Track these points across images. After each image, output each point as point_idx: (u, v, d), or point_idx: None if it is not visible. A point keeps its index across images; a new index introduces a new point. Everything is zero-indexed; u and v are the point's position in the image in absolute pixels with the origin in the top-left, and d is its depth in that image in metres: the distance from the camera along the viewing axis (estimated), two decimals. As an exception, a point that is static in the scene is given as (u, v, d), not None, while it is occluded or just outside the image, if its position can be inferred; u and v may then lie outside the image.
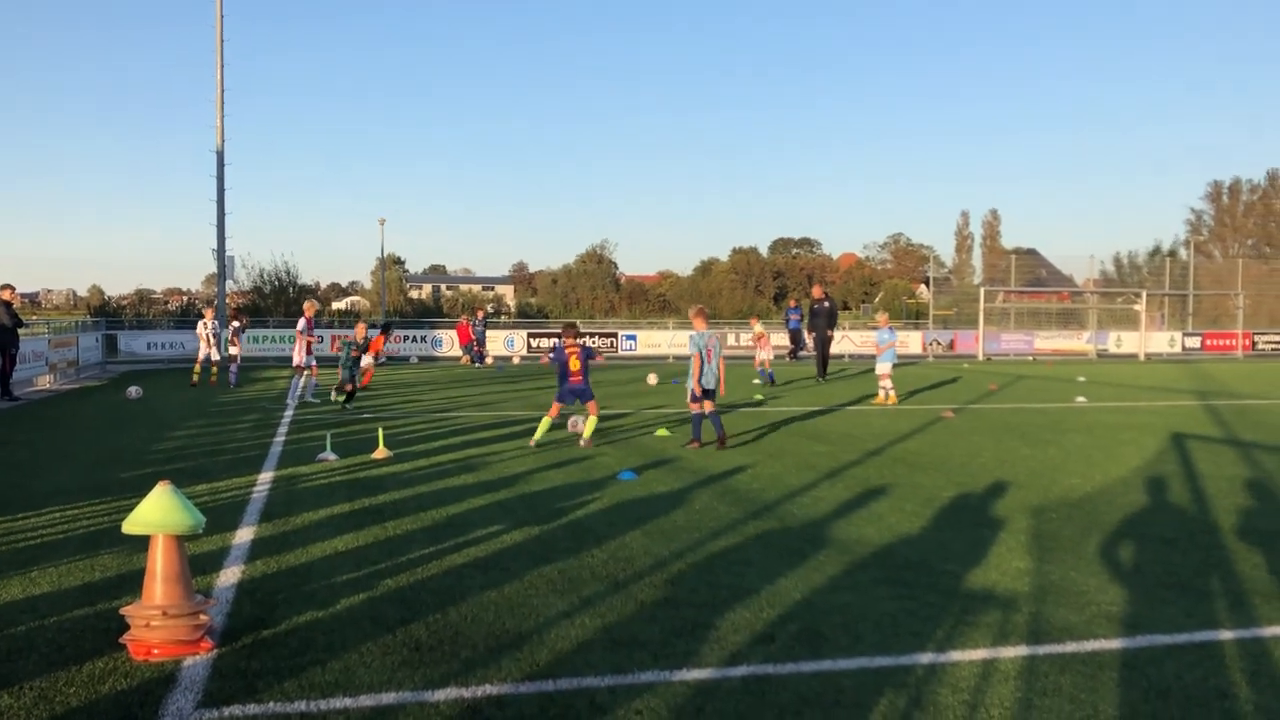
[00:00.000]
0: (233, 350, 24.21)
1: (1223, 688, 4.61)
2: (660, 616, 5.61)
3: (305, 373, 19.58)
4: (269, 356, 34.30)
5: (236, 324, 24.99)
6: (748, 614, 5.66)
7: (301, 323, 19.54)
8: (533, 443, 12.52)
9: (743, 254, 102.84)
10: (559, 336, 13.79)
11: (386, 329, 23.81)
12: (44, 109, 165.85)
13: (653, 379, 23.69)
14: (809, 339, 27.49)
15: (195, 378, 23.56)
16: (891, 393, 19.04)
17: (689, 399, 12.78)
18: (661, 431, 13.85)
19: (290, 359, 20.17)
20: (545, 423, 12.71)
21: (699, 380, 12.45)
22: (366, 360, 18.18)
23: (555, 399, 13.06)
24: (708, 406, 12.58)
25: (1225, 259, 67.09)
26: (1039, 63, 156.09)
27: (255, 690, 4.53)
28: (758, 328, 25.90)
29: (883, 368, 19.13)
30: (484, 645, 5.13)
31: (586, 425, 13.01)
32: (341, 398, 17.27)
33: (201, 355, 23.60)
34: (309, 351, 19.35)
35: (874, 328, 21.30)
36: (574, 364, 12.99)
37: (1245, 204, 79.94)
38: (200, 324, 24.10)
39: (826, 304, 25.84)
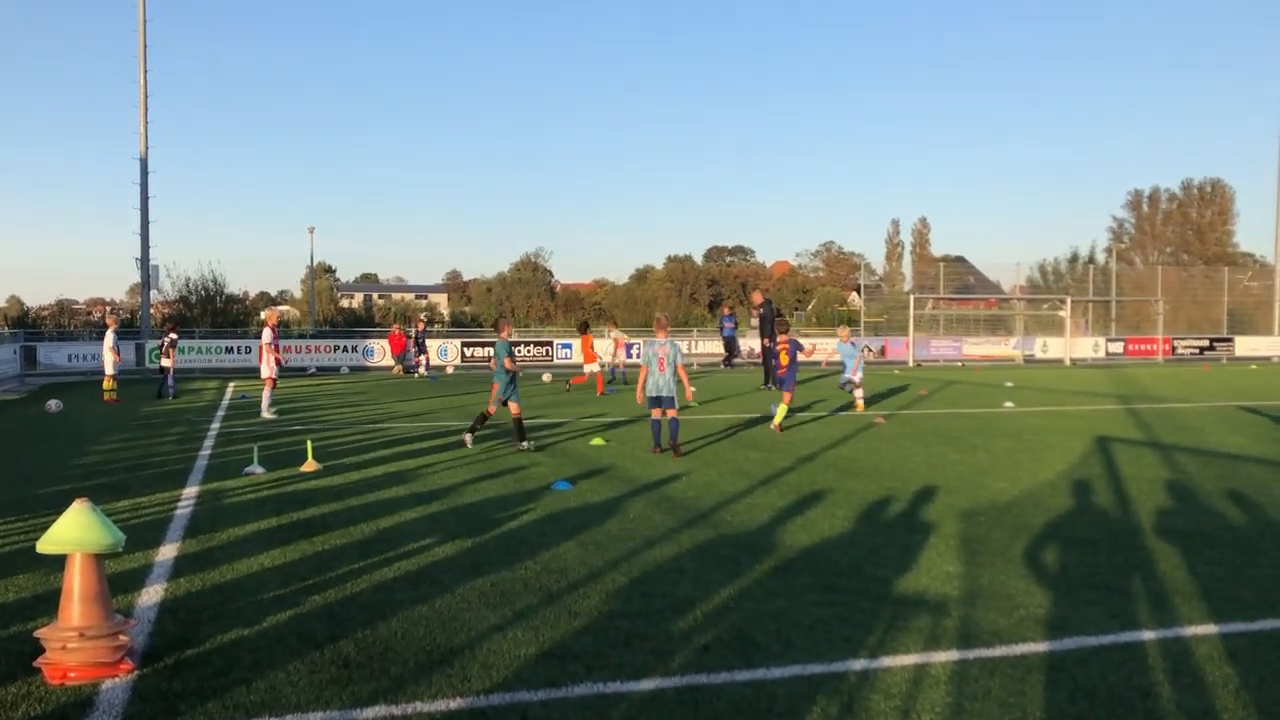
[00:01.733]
0: (165, 363, 23.51)
1: (1146, 687, 4.70)
2: (594, 628, 5.57)
3: (272, 384, 18.49)
4: (195, 368, 33.61)
5: (172, 336, 24.25)
6: (682, 624, 5.65)
7: (267, 333, 18.49)
8: (776, 425, 15.17)
9: (678, 262, 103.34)
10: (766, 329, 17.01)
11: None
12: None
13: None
14: (753, 346, 27.81)
15: (107, 395, 22.24)
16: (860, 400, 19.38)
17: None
18: (597, 440, 13.82)
19: (259, 370, 19.21)
20: (783, 409, 15.37)
21: (642, 388, 12.69)
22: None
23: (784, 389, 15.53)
24: (670, 413, 12.70)
25: (1145, 266, 68.97)
26: (967, 74, 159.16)
27: (177, 712, 4.40)
28: (615, 334, 27.78)
29: (858, 377, 19.28)
30: (414, 661, 5.05)
31: (779, 412, 15.44)
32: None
33: (110, 370, 22.64)
34: (277, 363, 18.48)
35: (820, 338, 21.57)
36: (784, 358, 15.60)
37: (1164, 212, 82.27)
38: (108, 334, 23.27)
39: (762, 310, 25.99)
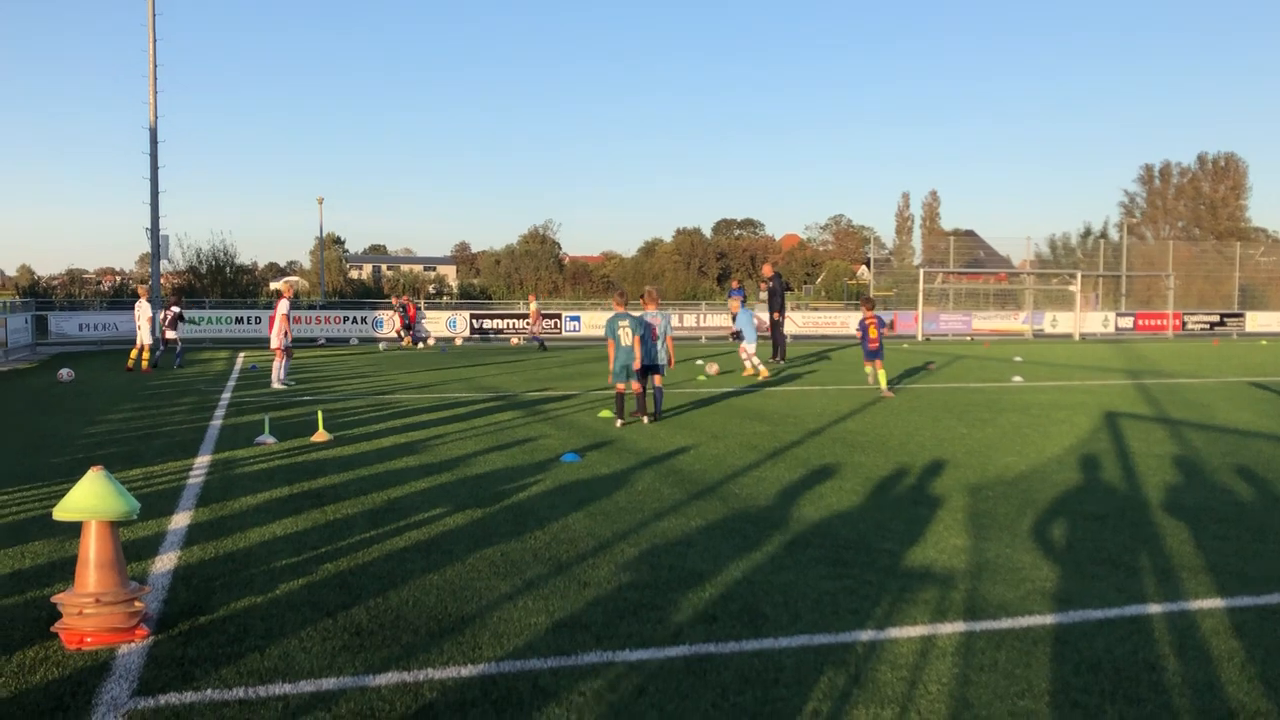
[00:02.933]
0: (170, 334, 23.72)
1: (1151, 660, 4.73)
2: (603, 598, 5.62)
3: (285, 355, 18.45)
4: (205, 338, 33.71)
5: (175, 309, 24.33)
6: (690, 594, 5.69)
7: (284, 304, 18.49)
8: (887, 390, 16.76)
9: (686, 235, 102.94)
10: (862, 309, 17.81)
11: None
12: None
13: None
14: (764, 320, 27.64)
15: (131, 362, 22.73)
16: (762, 367, 20.26)
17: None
18: (605, 413, 13.85)
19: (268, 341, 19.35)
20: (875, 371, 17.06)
21: (611, 364, 12.98)
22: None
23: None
24: (635, 387, 12.95)
25: (1156, 240, 68.64)
26: (979, 47, 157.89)
27: (192, 678, 4.46)
28: (534, 305, 32.55)
29: (750, 345, 20.58)
30: (425, 629, 5.10)
31: (881, 377, 17.02)
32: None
33: (146, 339, 22.80)
34: (287, 334, 18.45)
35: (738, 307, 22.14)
36: (873, 332, 16.96)
37: (1176, 187, 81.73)
38: (137, 305, 23.33)
39: (772, 283, 25.53)
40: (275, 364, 18.23)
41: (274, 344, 18.32)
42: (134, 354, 22.81)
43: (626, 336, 12.80)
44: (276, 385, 17.84)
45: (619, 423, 12.81)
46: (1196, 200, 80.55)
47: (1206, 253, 55.83)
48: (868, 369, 17.64)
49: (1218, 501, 8.34)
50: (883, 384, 17.01)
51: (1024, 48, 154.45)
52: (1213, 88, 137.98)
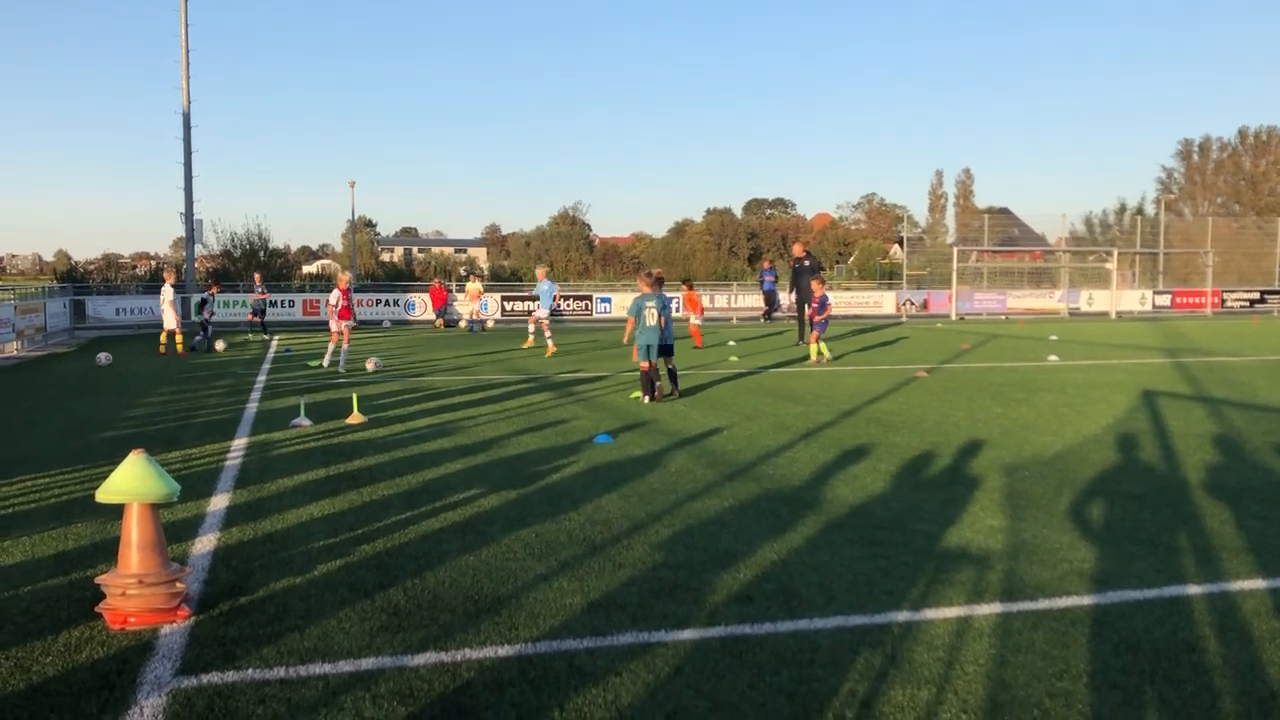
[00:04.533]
0: (204, 316, 24.10)
1: (1190, 641, 4.69)
2: (638, 579, 5.64)
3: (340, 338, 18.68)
4: (240, 321, 34.01)
5: (207, 294, 24.47)
6: (725, 575, 5.70)
7: (336, 295, 18.57)
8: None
9: (717, 215, 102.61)
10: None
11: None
12: (1, 69, 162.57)
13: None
14: (788, 299, 27.53)
15: (162, 347, 22.88)
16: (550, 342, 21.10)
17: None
18: (636, 394, 13.86)
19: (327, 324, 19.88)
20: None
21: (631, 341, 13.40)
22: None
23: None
24: (644, 366, 13.23)
25: (1195, 217, 67.54)
26: (1012, 22, 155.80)
27: (234, 657, 4.52)
28: (472, 286, 32.41)
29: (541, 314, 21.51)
30: (462, 609, 5.14)
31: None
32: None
33: (169, 324, 22.92)
34: (345, 316, 18.53)
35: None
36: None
37: (1215, 162, 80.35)
38: (164, 290, 23.32)
39: (808, 262, 25.08)
40: (331, 346, 18.69)
41: (333, 326, 18.58)
42: (164, 339, 23.03)
43: (651, 316, 13.12)
44: (326, 364, 18.46)
45: (646, 399, 13.07)
46: (1237, 176, 79.16)
47: (1246, 229, 54.89)
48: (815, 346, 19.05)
49: (1259, 481, 8.23)
50: (813, 354, 18.79)
51: (1060, 23, 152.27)
52: (1254, 60, 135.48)
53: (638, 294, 13.69)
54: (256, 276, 32.40)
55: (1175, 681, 4.24)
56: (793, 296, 24.54)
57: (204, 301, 24.64)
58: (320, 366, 18.38)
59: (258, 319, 30.24)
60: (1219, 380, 15.89)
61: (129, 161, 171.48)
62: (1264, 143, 78.77)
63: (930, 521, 6.92)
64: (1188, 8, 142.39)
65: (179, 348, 22.80)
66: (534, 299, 22.74)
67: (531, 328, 22.48)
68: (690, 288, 25.40)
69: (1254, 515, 7.06)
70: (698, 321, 24.71)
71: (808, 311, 21.29)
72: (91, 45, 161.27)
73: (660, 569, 5.82)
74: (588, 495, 7.72)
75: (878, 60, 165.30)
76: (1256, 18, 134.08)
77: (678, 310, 26.82)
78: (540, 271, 23.84)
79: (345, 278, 20.61)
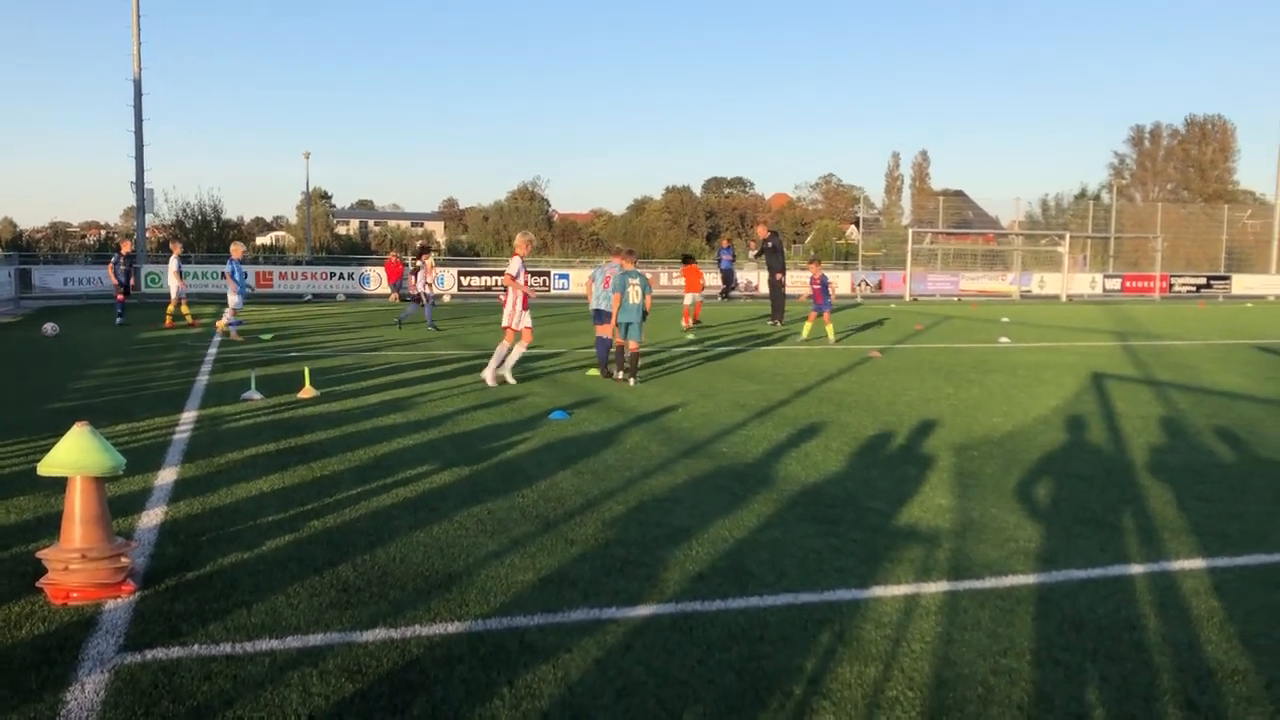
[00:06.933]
0: (413, 291, 23.71)
1: (1132, 619, 4.78)
2: (591, 556, 5.64)
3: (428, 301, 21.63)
4: (191, 294, 33.43)
5: (425, 258, 23.19)
6: (677, 552, 5.71)
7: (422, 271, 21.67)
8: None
9: (676, 193, 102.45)
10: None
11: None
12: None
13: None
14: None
15: (170, 318, 22.30)
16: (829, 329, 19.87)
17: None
18: (593, 371, 13.84)
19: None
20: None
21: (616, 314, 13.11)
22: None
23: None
24: (633, 346, 12.96)
25: (1145, 203, 68.60)
26: (971, 6, 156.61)
27: (179, 633, 4.47)
28: (429, 261, 31.45)
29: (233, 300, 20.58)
30: (413, 586, 5.11)
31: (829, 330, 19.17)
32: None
33: (175, 294, 22.46)
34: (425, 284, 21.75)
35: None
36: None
37: (1166, 149, 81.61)
38: (171, 261, 22.90)
39: (770, 244, 24.73)
40: (424, 307, 21.55)
41: (419, 289, 22.00)
42: (170, 309, 22.49)
43: (636, 294, 12.89)
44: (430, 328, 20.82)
45: (620, 375, 13.01)
46: (1185, 162, 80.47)
47: (1194, 215, 55.88)
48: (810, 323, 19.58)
49: (1201, 462, 8.40)
50: (830, 335, 19.20)
51: (1014, 7, 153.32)
52: (1202, 48, 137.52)
53: (614, 269, 13.27)
54: (427, 260, 25.27)
55: (1116, 659, 4.32)
56: (777, 276, 24.00)
57: (416, 271, 23.34)
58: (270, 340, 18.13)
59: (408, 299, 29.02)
60: (1165, 364, 16.18)
61: (79, 129, 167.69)
62: (1210, 130, 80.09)
63: (881, 500, 6.98)
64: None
65: (187, 318, 22.35)
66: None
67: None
68: (689, 263, 24.41)
69: (1196, 496, 7.20)
70: (692, 300, 23.56)
71: (810, 293, 20.73)
72: (37, 6, 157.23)
73: (613, 546, 5.83)
74: (542, 472, 7.71)
75: (836, 42, 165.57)
76: (1208, 8, 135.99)
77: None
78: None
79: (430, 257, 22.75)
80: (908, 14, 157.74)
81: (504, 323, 12.68)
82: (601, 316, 13.61)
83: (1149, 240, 47.98)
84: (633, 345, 12.86)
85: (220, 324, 19.60)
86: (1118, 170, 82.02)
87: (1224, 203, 57.86)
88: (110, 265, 23.81)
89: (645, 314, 12.99)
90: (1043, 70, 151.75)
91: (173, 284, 22.56)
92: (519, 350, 12.75)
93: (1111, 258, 50.07)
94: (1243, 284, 46.80)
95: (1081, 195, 66.30)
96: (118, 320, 22.62)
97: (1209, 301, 41.45)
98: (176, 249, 23.76)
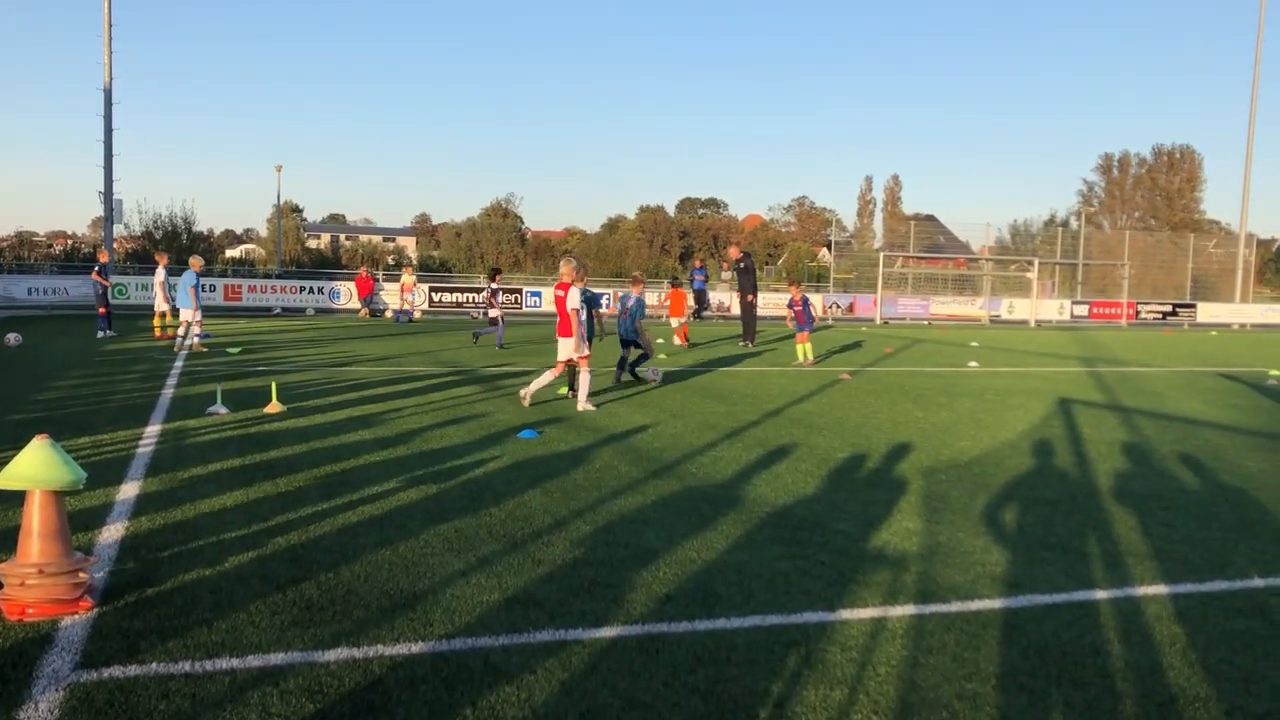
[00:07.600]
0: (492, 313, 21.56)
1: (1096, 645, 4.80)
2: (558, 576, 5.60)
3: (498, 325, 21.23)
4: (151, 306, 33.13)
5: (493, 285, 21.90)
6: (645, 573, 5.69)
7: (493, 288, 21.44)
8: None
9: (650, 212, 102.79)
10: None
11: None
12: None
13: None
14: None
15: (158, 330, 22.09)
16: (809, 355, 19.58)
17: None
18: (563, 389, 13.80)
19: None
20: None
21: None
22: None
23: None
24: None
25: (1114, 230, 69.48)
26: (945, 34, 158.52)
27: (137, 650, 4.39)
28: (408, 278, 34.01)
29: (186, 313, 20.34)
30: (377, 605, 5.06)
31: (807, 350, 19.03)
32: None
33: (160, 307, 22.26)
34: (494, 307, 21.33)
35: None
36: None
37: (1134, 177, 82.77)
38: (158, 271, 22.73)
39: (743, 264, 24.68)
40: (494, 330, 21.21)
41: (493, 314, 21.37)
42: (156, 322, 22.30)
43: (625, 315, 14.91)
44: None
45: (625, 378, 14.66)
46: (1153, 191, 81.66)
47: (1161, 243, 56.60)
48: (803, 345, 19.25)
49: (1165, 488, 8.47)
50: (806, 356, 19.00)
51: (989, 36, 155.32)
52: (1172, 80, 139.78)
53: (624, 290, 14.49)
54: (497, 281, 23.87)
55: (1080, 684, 4.34)
56: (749, 297, 23.91)
57: (495, 293, 21.79)
58: (237, 353, 18.02)
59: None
60: (1131, 389, 16.34)
61: (46, 138, 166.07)
62: (1177, 160, 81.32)
63: (849, 522, 6.99)
64: (1117, 27, 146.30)
65: (170, 331, 22.04)
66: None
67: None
68: (677, 286, 25.18)
69: (1160, 522, 7.26)
70: (678, 323, 24.00)
71: (792, 314, 20.37)
72: (5, 13, 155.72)
73: (580, 566, 5.79)
74: (510, 490, 7.66)
75: (812, 65, 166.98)
76: (1174, 39, 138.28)
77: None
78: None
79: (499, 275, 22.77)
80: (882, 40, 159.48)
81: (584, 352, 12.24)
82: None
83: (1117, 267, 48.54)
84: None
85: (197, 344, 19.34)
86: (1086, 198, 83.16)
87: (1190, 232, 58.75)
88: (95, 272, 23.64)
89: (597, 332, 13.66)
90: (1014, 97, 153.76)
91: (159, 295, 22.40)
92: (585, 375, 12.33)
93: (1080, 284, 50.60)
94: (1208, 312, 47.40)
95: (1051, 222, 67.13)
96: (106, 334, 22.33)
97: (1174, 329, 41.95)
98: (163, 260, 23.50)
